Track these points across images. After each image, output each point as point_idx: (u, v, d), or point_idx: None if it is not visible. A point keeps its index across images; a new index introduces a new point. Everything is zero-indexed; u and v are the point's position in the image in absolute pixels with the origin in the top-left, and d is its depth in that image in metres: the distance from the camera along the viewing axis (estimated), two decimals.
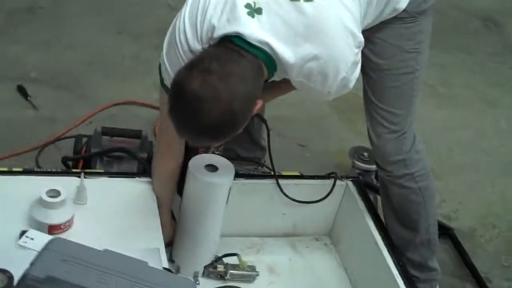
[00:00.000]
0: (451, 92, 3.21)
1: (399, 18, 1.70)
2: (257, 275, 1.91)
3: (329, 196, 1.99)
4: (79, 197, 1.71)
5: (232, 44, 1.45)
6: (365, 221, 1.94)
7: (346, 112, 2.88)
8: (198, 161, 1.75)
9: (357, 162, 2.41)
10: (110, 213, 1.72)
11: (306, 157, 2.60)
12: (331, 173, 2.03)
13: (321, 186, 2.00)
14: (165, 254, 1.64)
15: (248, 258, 1.95)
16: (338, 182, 2.01)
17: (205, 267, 1.87)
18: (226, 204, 1.78)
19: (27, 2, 3.13)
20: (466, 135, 2.91)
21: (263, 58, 1.47)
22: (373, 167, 2.41)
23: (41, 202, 1.60)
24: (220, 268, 1.87)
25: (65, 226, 1.62)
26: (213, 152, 1.86)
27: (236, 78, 1.39)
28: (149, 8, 3.26)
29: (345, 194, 2.04)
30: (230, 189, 1.77)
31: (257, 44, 1.45)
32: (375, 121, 1.83)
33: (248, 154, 2.28)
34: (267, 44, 1.45)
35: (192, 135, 1.45)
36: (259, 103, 1.48)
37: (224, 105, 1.37)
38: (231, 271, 1.87)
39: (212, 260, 1.87)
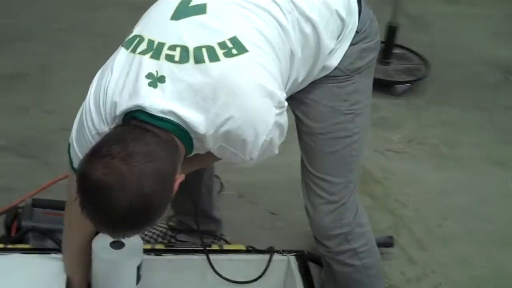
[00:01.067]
0: (455, 152, 2.96)
1: (331, 77, 1.56)
2: None
3: (268, 274, 1.81)
4: None
5: (136, 121, 1.33)
6: None
7: None
8: (104, 238, 1.62)
9: None
10: None
11: (278, 227, 2.42)
12: (270, 247, 1.85)
13: (259, 262, 1.82)
14: None
15: None
16: (278, 257, 1.83)
17: None
18: (137, 283, 1.63)
19: (15, 68, 3.13)
20: (464, 200, 2.63)
21: (172, 129, 1.33)
22: None
23: None
24: None
25: None
26: None
27: (141, 157, 1.25)
28: None
29: (288, 271, 1.85)
30: (139, 266, 1.62)
31: (161, 115, 1.31)
32: (311, 191, 1.66)
33: (201, 227, 2.13)
34: (172, 112, 1.31)
35: (109, 229, 1.31)
36: (179, 179, 1.34)
37: (132, 190, 1.23)
38: None
39: None
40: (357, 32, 1.54)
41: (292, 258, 1.84)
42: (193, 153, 1.43)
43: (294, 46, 1.43)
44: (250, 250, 1.85)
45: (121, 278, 1.62)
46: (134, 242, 1.62)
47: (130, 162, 1.24)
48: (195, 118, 1.32)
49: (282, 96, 1.39)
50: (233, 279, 1.80)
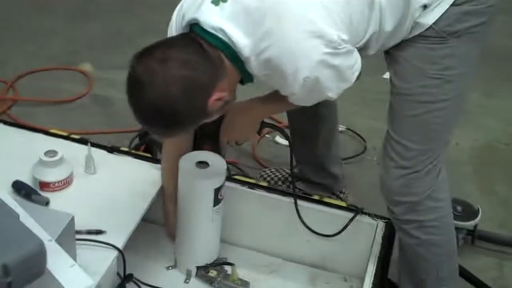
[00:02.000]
0: None
1: (424, 37, 1.47)
2: None
3: (353, 234, 1.77)
4: (87, 166, 1.81)
5: (193, 33, 1.41)
6: None
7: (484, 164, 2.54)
8: (192, 156, 1.72)
9: None
10: (109, 188, 1.76)
11: None
12: (358, 208, 1.79)
13: (344, 219, 1.79)
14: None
15: (255, 276, 1.83)
16: (367, 219, 1.77)
17: (198, 268, 1.81)
18: (215, 205, 1.71)
19: None
20: None
21: (220, 47, 1.39)
22: (465, 224, 2.09)
23: (39, 160, 1.74)
24: (212, 273, 1.79)
25: (55, 186, 1.73)
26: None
27: (177, 63, 1.34)
28: None
29: (376, 236, 1.78)
30: (219, 188, 1.68)
31: (211, 31, 1.38)
32: (386, 152, 1.58)
33: (316, 179, 2.14)
34: (221, 30, 1.37)
35: (140, 121, 1.41)
36: (218, 96, 1.39)
37: (160, 90, 1.33)
38: (220, 279, 1.78)
39: (207, 264, 1.81)
40: None
41: (381, 224, 1.77)
42: (254, 81, 1.46)
43: None
44: (339, 206, 1.82)
45: (197, 195, 1.69)
46: (218, 165, 1.69)
47: (165, 64, 1.31)
48: (242, 40, 1.35)
49: (338, 36, 1.35)
50: (315, 229, 1.79)
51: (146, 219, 1.95)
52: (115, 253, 1.57)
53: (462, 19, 1.42)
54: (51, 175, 1.72)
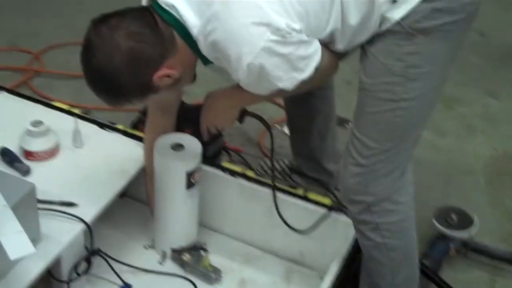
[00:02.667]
0: None
1: (392, 32, 1.40)
2: (218, 279, 1.78)
3: (333, 232, 1.74)
4: (74, 139, 1.85)
5: (150, 7, 1.42)
6: None
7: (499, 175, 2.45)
8: (168, 139, 1.72)
9: (436, 224, 2.03)
10: (91, 162, 1.80)
11: None
12: (333, 206, 1.75)
13: (322, 215, 1.76)
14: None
15: (229, 264, 1.84)
16: (344, 218, 1.73)
17: (172, 250, 1.82)
18: (188, 188, 1.71)
19: None
20: None
21: (172, 23, 1.39)
22: (457, 233, 2.02)
23: (25, 129, 1.79)
24: (185, 257, 1.80)
25: (38, 155, 1.77)
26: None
27: (126, 33, 1.35)
28: None
29: (348, 235, 1.73)
30: (191, 174, 1.69)
31: (165, 7, 1.39)
32: (347, 148, 1.54)
33: (312, 173, 2.10)
34: (174, 7, 1.38)
35: (88, 85, 1.43)
36: (165, 73, 1.39)
37: (104, 57, 1.35)
38: (192, 264, 1.79)
39: (182, 247, 1.82)
40: None
41: None
42: (209, 65, 1.46)
43: None
44: (319, 202, 1.78)
45: (169, 177, 1.70)
46: (193, 148, 1.70)
47: (114, 33, 1.33)
48: (192, 19, 1.36)
49: (287, 25, 1.31)
50: (293, 224, 1.77)
51: (134, 197, 1.99)
52: (82, 226, 1.60)
53: (432, 16, 1.35)
54: (35, 145, 1.77)
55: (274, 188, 1.78)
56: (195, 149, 1.70)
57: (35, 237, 1.50)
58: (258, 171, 2.16)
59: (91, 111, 2.50)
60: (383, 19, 1.40)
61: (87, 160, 1.82)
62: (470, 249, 2.03)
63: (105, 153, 1.85)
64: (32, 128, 1.77)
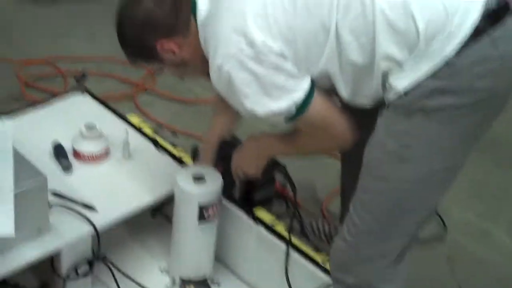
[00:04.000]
0: None
1: (393, 105, 1.32)
2: None
3: None
4: (124, 150, 1.94)
5: None
6: None
7: None
8: (195, 169, 1.76)
9: None
10: (128, 174, 1.88)
11: None
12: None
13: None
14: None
15: None
16: None
17: (181, 280, 1.84)
18: (200, 222, 1.72)
19: None
20: None
21: (191, 5, 1.44)
22: None
23: (79, 130, 1.91)
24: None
25: (84, 156, 1.89)
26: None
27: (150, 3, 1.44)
28: None
29: None
30: (204, 208, 1.70)
31: None
32: (344, 222, 1.47)
33: None
34: None
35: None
36: (169, 47, 1.46)
37: (127, 7, 1.47)
38: None
39: (189, 278, 1.82)
40: (446, 64, 1.22)
41: None
42: None
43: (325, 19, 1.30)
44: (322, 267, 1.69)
45: (184, 207, 1.73)
46: (213, 185, 1.71)
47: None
48: (205, 6, 1.42)
49: (263, 42, 1.30)
50: (299, 283, 1.71)
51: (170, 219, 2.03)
52: (90, 228, 1.67)
53: (430, 95, 1.25)
54: (82, 146, 1.89)
55: (289, 244, 1.74)
56: (215, 184, 1.72)
57: (41, 227, 1.61)
58: (306, 228, 2.12)
59: (177, 134, 2.63)
60: (388, 86, 1.32)
61: (126, 172, 1.90)
62: None
63: (147, 169, 1.92)
64: (83, 130, 1.89)
